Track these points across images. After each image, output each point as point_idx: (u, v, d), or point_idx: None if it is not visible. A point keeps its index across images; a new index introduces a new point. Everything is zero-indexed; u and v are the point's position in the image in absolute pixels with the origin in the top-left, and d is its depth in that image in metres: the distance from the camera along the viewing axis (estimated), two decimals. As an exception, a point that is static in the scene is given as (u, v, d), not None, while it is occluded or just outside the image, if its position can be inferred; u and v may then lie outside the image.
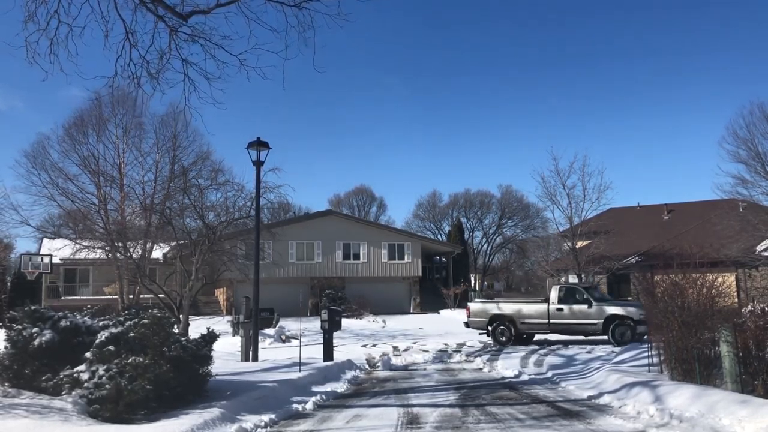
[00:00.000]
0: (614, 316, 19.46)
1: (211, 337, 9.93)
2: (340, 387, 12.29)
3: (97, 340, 8.40)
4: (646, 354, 11.98)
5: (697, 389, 8.62)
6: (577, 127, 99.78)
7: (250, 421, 8.11)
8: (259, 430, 7.91)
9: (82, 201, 27.15)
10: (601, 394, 9.89)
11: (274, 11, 8.71)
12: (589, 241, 36.57)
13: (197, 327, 17.45)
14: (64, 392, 8.24)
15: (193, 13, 8.62)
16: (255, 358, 15.69)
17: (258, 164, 16.24)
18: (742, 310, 10.38)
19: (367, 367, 16.61)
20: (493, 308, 21.62)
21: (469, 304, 22.87)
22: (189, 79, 8.93)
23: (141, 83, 8.71)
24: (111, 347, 8.19)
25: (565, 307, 20.28)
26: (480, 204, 64.08)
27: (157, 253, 29.43)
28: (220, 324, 25.61)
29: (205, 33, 8.76)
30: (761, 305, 9.85)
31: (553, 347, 20.36)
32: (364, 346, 22.56)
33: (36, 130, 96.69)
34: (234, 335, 21.70)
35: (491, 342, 21.34)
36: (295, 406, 9.58)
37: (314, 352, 16.87)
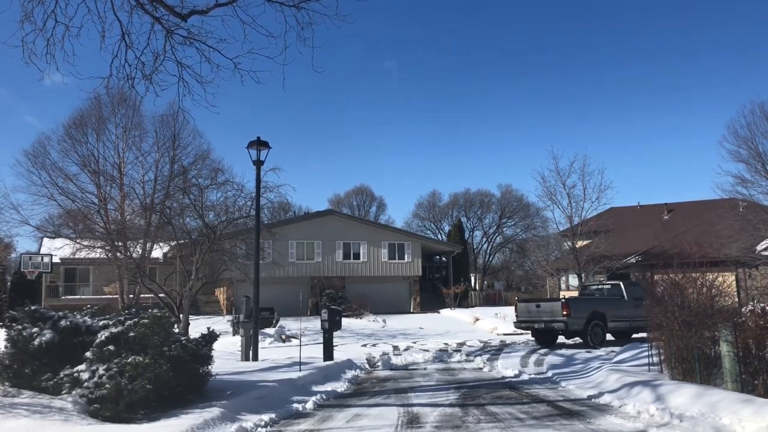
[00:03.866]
0: None
1: (211, 337, 9.92)
2: (340, 386, 12.28)
3: (97, 340, 8.39)
4: (646, 353, 11.97)
5: (697, 389, 8.61)
6: (578, 127, 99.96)
7: (250, 420, 8.10)
8: (259, 429, 7.90)
9: (82, 201, 27.15)
10: (601, 394, 9.88)
11: (272, 13, 8.74)
12: (589, 241, 36.57)
13: (197, 326, 17.47)
14: (64, 392, 8.24)
15: (192, 14, 8.61)
16: (255, 358, 15.69)
17: (258, 164, 16.24)
18: (742, 309, 10.36)
19: (367, 366, 16.60)
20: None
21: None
22: (184, 81, 8.93)
23: (135, 84, 8.72)
24: (111, 347, 8.19)
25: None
26: (480, 204, 64.13)
27: (157, 252, 29.40)
28: (220, 323, 25.63)
29: (201, 36, 8.77)
30: (761, 304, 9.83)
31: (553, 346, 20.37)
32: (365, 345, 22.55)
33: (22, 119, 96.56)
34: (234, 335, 21.70)
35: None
36: (295, 405, 9.58)
37: (314, 352, 16.86)
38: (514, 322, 21.23)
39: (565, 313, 18.75)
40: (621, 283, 21.55)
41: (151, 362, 8.08)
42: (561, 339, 21.18)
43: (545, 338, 20.62)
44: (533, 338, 21.41)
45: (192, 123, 33.69)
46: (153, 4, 8.34)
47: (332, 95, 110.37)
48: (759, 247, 28.07)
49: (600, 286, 22.61)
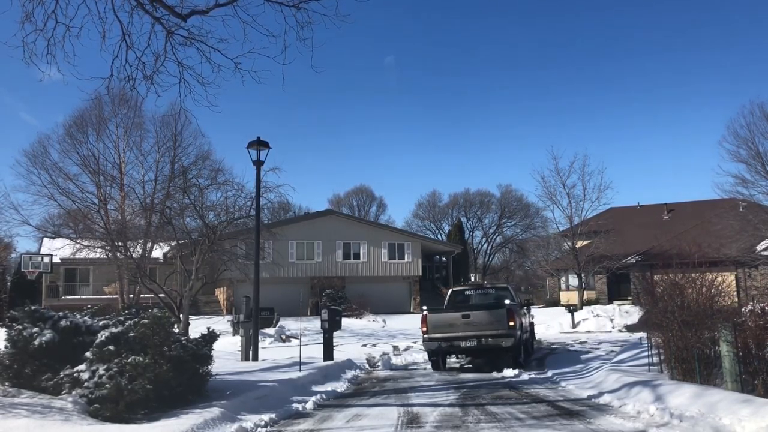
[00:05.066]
0: None
1: (211, 337, 9.92)
2: (340, 386, 12.30)
3: (98, 340, 8.40)
4: (646, 353, 11.98)
5: (697, 389, 8.61)
6: (577, 127, 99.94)
7: (250, 420, 8.11)
8: (259, 429, 7.90)
9: (82, 201, 27.17)
10: (601, 394, 9.89)
11: (272, 13, 8.72)
12: (589, 241, 36.63)
13: (197, 326, 17.47)
14: (64, 392, 8.24)
15: (192, 14, 8.61)
16: (255, 358, 15.69)
17: (258, 164, 16.24)
18: (742, 309, 10.37)
19: (367, 366, 16.62)
20: None
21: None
22: (185, 81, 8.93)
23: (136, 85, 8.72)
24: (111, 347, 8.19)
25: None
26: (480, 204, 64.20)
27: (157, 252, 29.43)
28: (220, 323, 25.63)
29: (202, 36, 8.77)
30: (761, 305, 9.83)
31: (553, 346, 20.38)
32: (364, 345, 22.56)
33: (18, 117, 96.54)
34: (234, 335, 21.71)
35: None
36: (295, 405, 9.58)
37: (314, 352, 16.87)
38: (423, 340, 15.34)
39: (511, 323, 14.32)
40: (509, 286, 18.37)
41: (151, 362, 8.08)
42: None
43: (444, 359, 16.08)
44: (431, 360, 15.96)
45: (194, 123, 33.81)
46: (153, 5, 8.35)
47: (332, 94, 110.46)
48: (759, 247, 28.09)
49: (480, 291, 17.82)
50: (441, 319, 15.00)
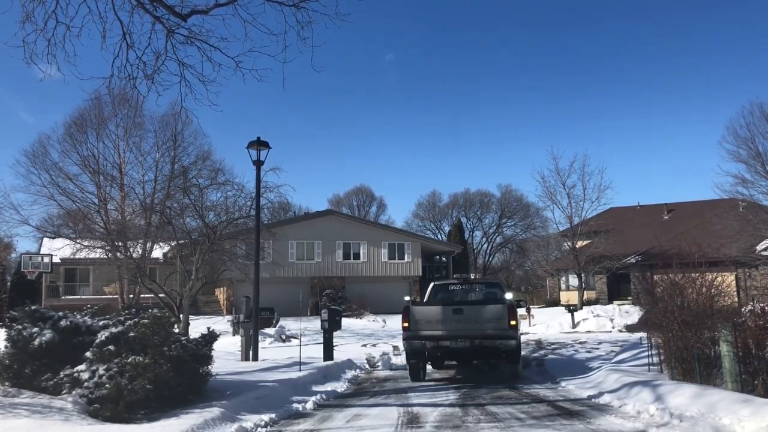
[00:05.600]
0: None
1: (211, 337, 9.93)
2: (340, 386, 12.29)
3: (98, 340, 8.40)
4: (646, 353, 11.98)
5: (697, 389, 8.62)
6: (577, 127, 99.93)
7: (250, 420, 8.11)
8: (259, 429, 7.90)
9: (82, 201, 27.16)
10: (601, 394, 9.89)
11: (272, 12, 8.70)
12: (589, 241, 36.65)
13: (197, 326, 17.47)
14: (64, 392, 8.24)
15: (192, 14, 8.60)
16: (255, 358, 15.69)
17: (258, 164, 16.24)
18: (742, 309, 10.37)
19: (367, 366, 16.61)
20: None
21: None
22: (185, 81, 8.92)
23: (137, 84, 8.71)
24: (111, 347, 8.19)
25: None
26: (480, 204, 64.26)
27: (157, 252, 29.42)
28: (220, 323, 25.64)
29: (202, 35, 8.76)
30: (761, 304, 9.84)
31: (553, 346, 20.38)
32: (365, 345, 22.55)
33: (17, 116, 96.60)
34: (234, 335, 21.71)
35: None
36: (295, 405, 9.58)
37: (314, 352, 16.87)
38: (404, 339, 12.77)
39: (513, 322, 12.02)
40: (501, 282, 16.53)
41: (151, 362, 8.08)
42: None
43: (425, 366, 13.68)
44: (409, 364, 13.35)
45: (195, 122, 33.78)
46: (153, 4, 8.34)
47: (332, 94, 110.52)
48: (759, 247, 28.11)
49: (467, 286, 14.89)
50: (427, 314, 12.57)
